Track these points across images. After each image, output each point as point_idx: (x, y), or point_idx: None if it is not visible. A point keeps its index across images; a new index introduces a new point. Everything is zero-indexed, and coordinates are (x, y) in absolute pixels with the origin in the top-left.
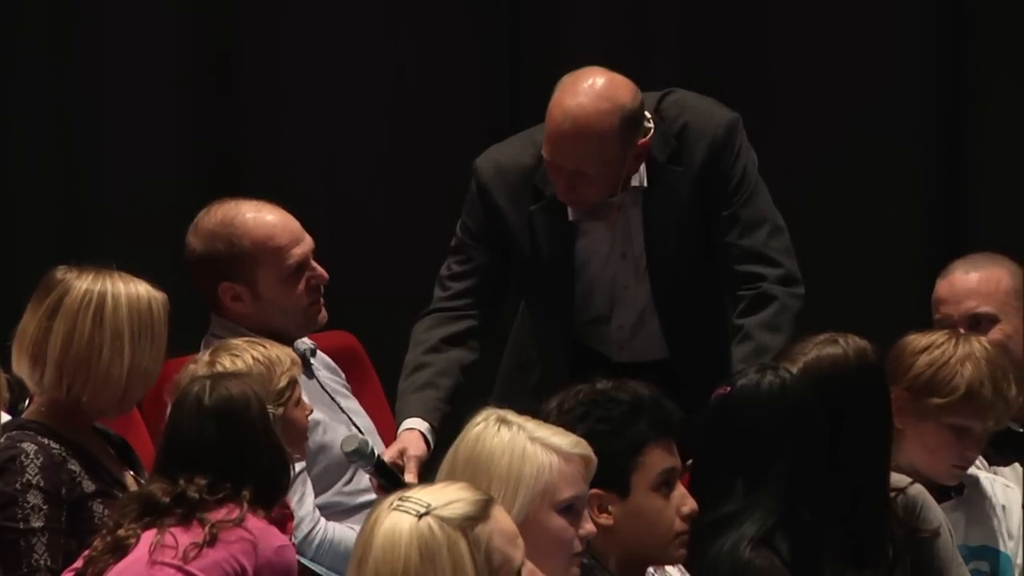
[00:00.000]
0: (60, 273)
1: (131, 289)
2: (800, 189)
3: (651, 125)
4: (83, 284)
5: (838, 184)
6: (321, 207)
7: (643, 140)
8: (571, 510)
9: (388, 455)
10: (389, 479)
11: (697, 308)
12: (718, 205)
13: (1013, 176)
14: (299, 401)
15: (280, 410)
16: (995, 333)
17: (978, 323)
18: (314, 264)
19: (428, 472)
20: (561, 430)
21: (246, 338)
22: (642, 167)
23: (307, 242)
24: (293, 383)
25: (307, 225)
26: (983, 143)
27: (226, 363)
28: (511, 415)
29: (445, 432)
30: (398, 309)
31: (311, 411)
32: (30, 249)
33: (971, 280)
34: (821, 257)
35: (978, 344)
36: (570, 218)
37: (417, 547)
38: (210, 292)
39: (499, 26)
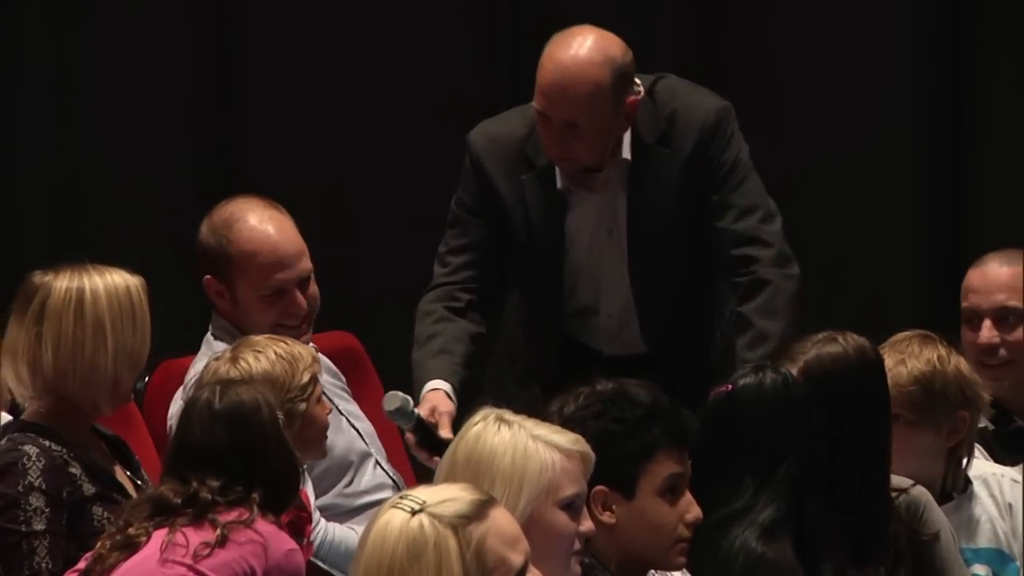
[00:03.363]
0: (37, 278)
1: (108, 279)
2: (799, 188)
3: (640, 88)
4: (62, 284)
5: (837, 182)
6: (320, 205)
7: (632, 98)
8: (572, 507)
9: (420, 413)
10: (428, 436)
11: (678, 302)
12: (709, 191)
13: (1013, 174)
14: (320, 398)
15: (303, 406)
16: (1020, 333)
17: (1006, 317)
18: (297, 293)
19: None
20: (559, 428)
21: (267, 335)
22: (628, 144)
23: (297, 268)
24: (314, 380)
25: (306, 223)
26: (983, 139)
27: (249, 359)
28: (508, 414)
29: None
30: (399, 309)
31: (331, 410)
32: (28, 248)
33: (1004, 273)
34: (820, 255)
35: (935, 350)
36: (559, 186)
37: (405, 542)
38: (199, 280)
39: (498, 16)
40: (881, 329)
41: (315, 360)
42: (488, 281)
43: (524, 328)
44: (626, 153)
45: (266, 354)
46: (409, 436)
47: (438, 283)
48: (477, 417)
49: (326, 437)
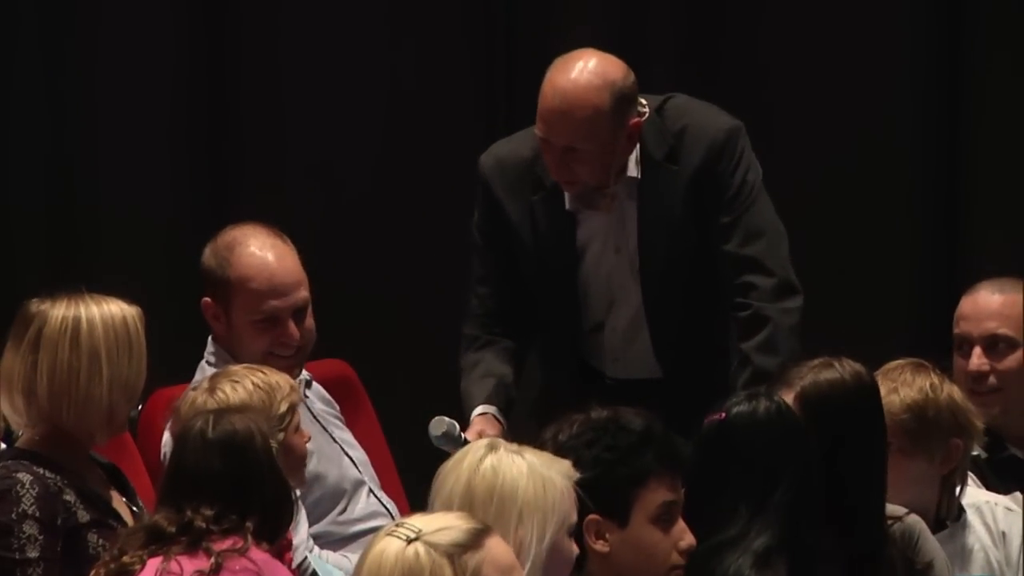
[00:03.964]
0: (34, 306)
1: (104, 309)
2: (794, 202)
3: (645, 109)
4: (59, 312)
5: (833, 188)
6: (316, 228)
7: (635, 120)
8: (573, 533)
9: (468, 437)
10: None
11: (689, 322)
12: (716, 211)
13: (1011, 185)
14: (298, 427)
15: (280, 435)
16: (1011, 361)
17: (996, 345)
18: (290, 323)
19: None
20: (550, 455)
21: (246, 365)
22: (636, 161)
23: (292, 297)
24: (292, 409)
25: (301, 247)
26: (979, 145)
27: (226, 389)
28: (504, 443)
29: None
30: (394, 336)
31: (309, 438)
32: (24, 267)
33: (995, 301)
34: (816, 263)
35: (927, 379)
36: (567, 207)
37: (401, 570)
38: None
39: (495, 30)
40: (876, 334)
41: (293, 389)
42: (518, 306)
43: (540, 354)
44: (634, 171)
45: (243, 384)
46: None
47: (474, 314)
48: (480, 450)
49: (305, 465)
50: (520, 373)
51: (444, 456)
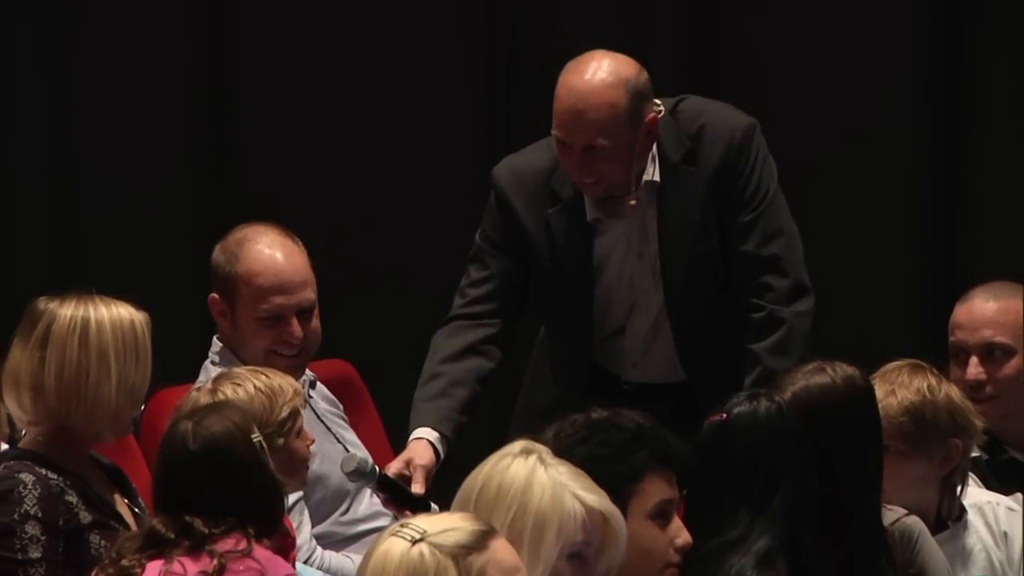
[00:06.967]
0: (42, 304)
1: (113, 311)
2: (793, 194)
3: (660, 107)
4: (67, 311)
5: (832, 187)
6: (318, 232)
7: (652, 116)
8: (579, 556)
9: (394, 466)
10: (395, 492)
11: (712, 323)
12: (733, 211)
13: (1011, 178)
14: (300, 431)
15: (281, 440)
16: (1009, 368)
17: (992, 353)
18: (294, 321)
19: (450, 487)
20: (595, 486)
21: (250, 367)
22: (656, 165)
23: (297, 296)
24: (295, 414)
25: (303, 240)
26: (980, 146)
27: (227, 392)
28: (548, 455)
29: (459, 443)
30: (395, 337)
31: (312, 441)
32: (25, 267)
33: (990, 309)
34: (815, 264)
35: (925, 380)
36: (588, 218)
37: (405, 571)
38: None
39: (495, 44)
40: (874, 337)
41: (296, 393)
42: (508, 313)
43: (551, 362)
44: (653, 175)
45: (245, 387)
46: (377, 495)
47: (455, 315)
48: (516, 447)
49: (307, 469)
50: (481, 397)
51: (449, 457)
